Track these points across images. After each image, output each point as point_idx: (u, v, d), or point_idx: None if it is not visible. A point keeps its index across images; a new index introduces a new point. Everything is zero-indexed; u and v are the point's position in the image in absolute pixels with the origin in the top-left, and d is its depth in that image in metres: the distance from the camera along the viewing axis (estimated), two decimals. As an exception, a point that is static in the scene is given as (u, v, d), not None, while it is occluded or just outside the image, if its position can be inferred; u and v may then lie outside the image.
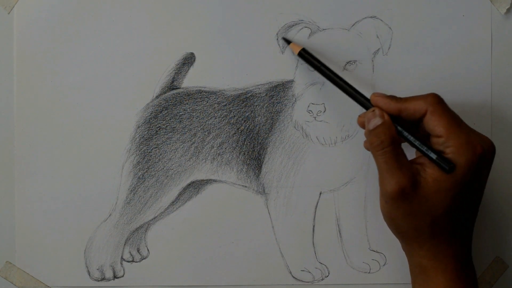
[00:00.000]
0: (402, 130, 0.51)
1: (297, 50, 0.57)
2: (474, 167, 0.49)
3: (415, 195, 0.49)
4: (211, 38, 0.59)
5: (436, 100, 0.51)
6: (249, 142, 0.60)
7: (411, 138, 0.51)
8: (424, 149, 0.50)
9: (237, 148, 0.60)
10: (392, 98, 0.52)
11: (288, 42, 0.58)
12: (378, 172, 0.51)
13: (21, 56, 0.60)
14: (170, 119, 0.60)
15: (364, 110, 0.54)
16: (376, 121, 0.51)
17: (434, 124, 0.50)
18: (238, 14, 0.59)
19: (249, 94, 0.59)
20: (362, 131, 0.56)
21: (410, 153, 0.54)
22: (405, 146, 0.52)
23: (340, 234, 0.60)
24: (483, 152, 0.49)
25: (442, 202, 0.49)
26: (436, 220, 0.50)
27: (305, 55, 0.56)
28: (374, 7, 0.59)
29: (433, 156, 0.50)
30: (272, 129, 0.59)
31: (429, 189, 0.49)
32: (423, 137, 0.52)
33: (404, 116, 0.52)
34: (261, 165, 0.59)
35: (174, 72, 0.59)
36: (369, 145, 0.52)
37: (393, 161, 0.50)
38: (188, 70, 0.59)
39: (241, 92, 0.59)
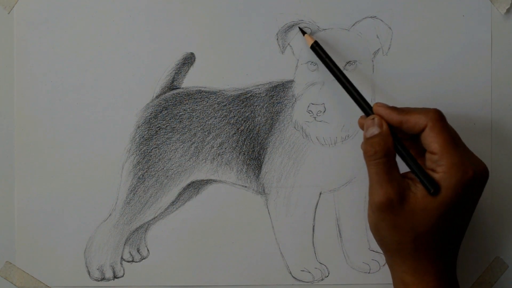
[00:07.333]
0: (396, 144, 0.51)
1: (310, 42, 0.56)
2: (462, 190, 0.49)
3: (401, 209, 0.49)
4: (211, 38, 0.59)
5: (437, 117, 0.50)
6: (249, 142, 0.59)
7: (404, 154, 0.51)
8: (414, 167, 0.50)
9: (237, 148, 0.60)
10: (394, 109, 0.52)
11: (303, 32, 0.58)
12: (369, 181, 0.51)
13: (21, 56, 0.60)
14: (170, 119, 0.60)
15: (364, 111, 0.54)
16: (373, 130, 0.51)
17: (431, 140, 0.50)
18: (238, 14, 0.59)
19: (249, 94, 0.59)
20: (362, 131, 0.56)
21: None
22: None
23: (340, 234, 0.60)
24: (474, 176, 0.49)
25: (427, 220, 0.49)
26: (419, 237, 0.49)
27: (317, 49, 0.56)
28: (374, 7, 0.59)
29: (421, 176, 0.49)
30: (272, 129, 0.59)
31: (416, 205, 0.49)
32: (421, 150, 0.51)
33: (404, 128, 0.51)
34: (261, 165, 0.59)
35: (174, 72, 0.59)
36: (363, 153, 0.51)
37: (384, 173, 0.50)
38: (188, 70, 0.59)
39: (241, 92, 0.59)
